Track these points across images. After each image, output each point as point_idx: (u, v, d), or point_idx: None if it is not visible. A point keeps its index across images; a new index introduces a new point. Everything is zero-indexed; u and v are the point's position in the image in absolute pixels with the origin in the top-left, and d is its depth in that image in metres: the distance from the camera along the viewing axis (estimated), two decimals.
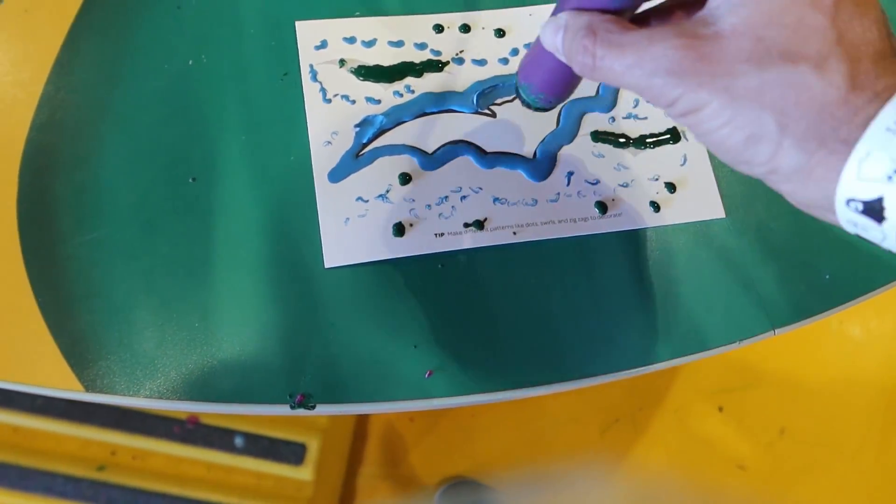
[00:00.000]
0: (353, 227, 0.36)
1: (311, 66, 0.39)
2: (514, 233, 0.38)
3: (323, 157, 0.37)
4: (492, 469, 0.98)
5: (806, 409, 1.05)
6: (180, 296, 0.35)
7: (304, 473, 0.74)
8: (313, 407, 0.34)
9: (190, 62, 0.38)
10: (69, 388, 0.33)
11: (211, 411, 0.35)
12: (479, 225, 0.37)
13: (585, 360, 0.36)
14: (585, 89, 0.41)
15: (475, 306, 0.36)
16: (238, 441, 0.74)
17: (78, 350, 0.34)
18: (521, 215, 0.38)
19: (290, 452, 0.75)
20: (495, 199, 0.38)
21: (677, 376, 1.05)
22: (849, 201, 0.20)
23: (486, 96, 0.40)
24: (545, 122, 0.40)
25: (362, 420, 0.97)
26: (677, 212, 0.39)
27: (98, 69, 0.38)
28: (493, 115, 0.39)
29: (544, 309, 0.37)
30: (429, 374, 0.35)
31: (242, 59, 0.39)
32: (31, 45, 0.38)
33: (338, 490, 0.92)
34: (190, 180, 0.37)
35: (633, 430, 1.02)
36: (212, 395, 0.34)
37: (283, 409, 0.34)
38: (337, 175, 0.37)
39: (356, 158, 0.38)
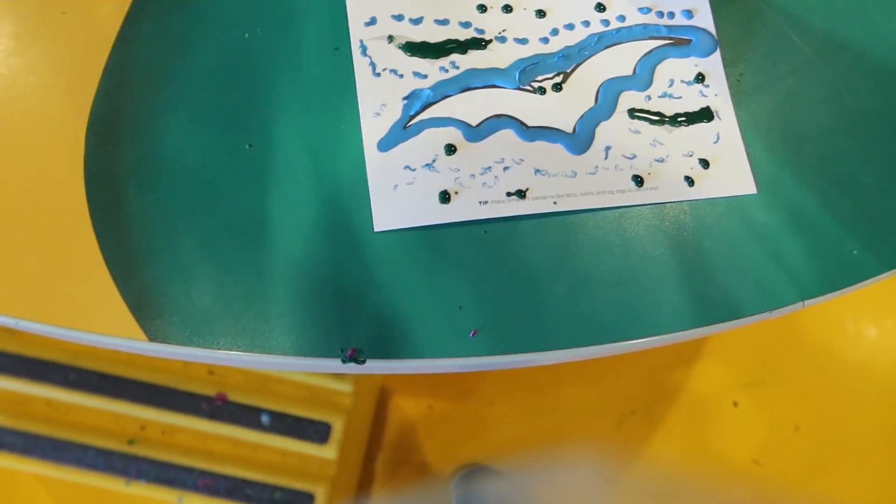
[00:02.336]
0: (401, 193, 0.38)
1: (361, 41, 0.41)
2: (555, 202, 0.39)
3: (372, 128, 0.39)
4: (507, 458, 1.00)
5: (821, 408, 1.06)
6: (238, 254, 0.37)
7: (328, 452, 0.76)
8: (363, 362, 0.36)
9: (246, 35, 0.40)
10: (133, 337, 0.35)
11: (264, 365, 0.37)
12: (521, 194, 0.39)
13: (622, 326, 0.38)
14: (621, 69, 0.42)
15: (517, 271, 0.38)
16: (264, 419, 0.76)
17: (142, 302, 0.36)
18: (561, 186, 0.39)
19: (315, 431, 0.76)
20: (536, 171, 0.40)
21: (694, 371, 1.06)
22: None
23: (527, 73, 0.41)
24: (584, 100, 0.41)
25: (381, 406, 0.99)
26: (710, 187, 0.41)
27: (160, 40, 0.40)
28: (535, 91, 0.41)
29: (582, 276, 0.38)
30: (473, 334, 0.37)
31: (295, 33, 0.41)
32: (96, 16, 0.40)
33: (357, 473, 0.94)
34: (247, 146, 0.38)
35: (649, 422, 1.04)
36: (266, 347, 0.36)
37: (335, 364, 0.36)
38: (386, 145, 0.39)
39: (404, 129, 0.39)
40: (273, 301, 0.36)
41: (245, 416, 0.76)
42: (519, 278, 0.38)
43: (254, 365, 0.37)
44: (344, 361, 0.36)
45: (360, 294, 0.37)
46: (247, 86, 0.39)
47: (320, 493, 0.74)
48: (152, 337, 0.35)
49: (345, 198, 0.38)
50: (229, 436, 0.75)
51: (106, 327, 0.35)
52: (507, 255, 0.38)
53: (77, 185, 0.37)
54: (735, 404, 1.05)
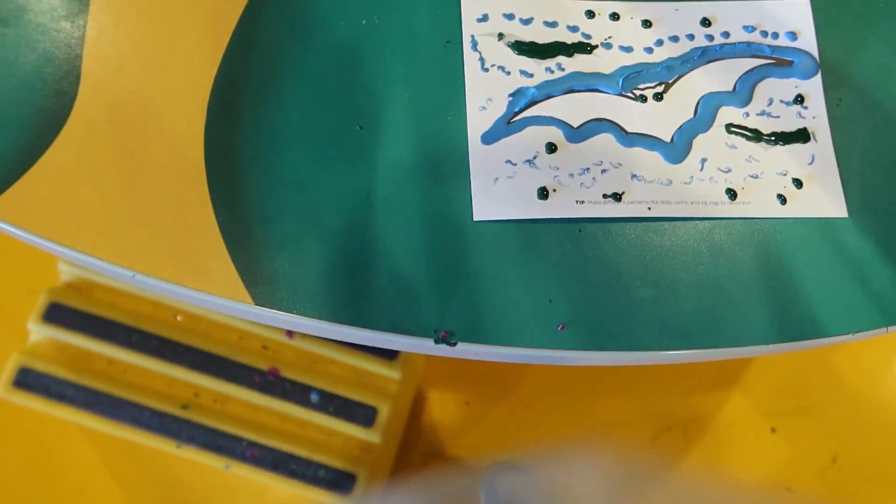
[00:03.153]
0: (502, 186, 0.39)
1: (473, 36, 0.42)
2: (649, 208, 0.40)
3: (477, 121, 0.41)
4: (542, 460, 1.01)
5: (860, 441, 1.05)
6: (343, 230, 0.38)
7: (373, 436, 0.77)
8: (454, 344, 0.37)
9: (363, 21, 0.42)
10: (240, 299, 0.37)
11: (359, 338, 0.38)
12: (617, 197, 0.40)
13: (705, 334, 0.39)
14: (722, 84, 0.43)
15: (608, 271, 0.39)
16: (314, 397, 0.78)
17: (250, 268, 0.37)
18: (656, 192, 0.40)
19: (362, 414, 0.78)
20: (633, 176, 0.41)
21: (733, 392, 1.06)
22: None
23: (630, 80, 0.42)
24: (683, 111, 0.42)
25: (419, 399, 1.00)
26: (802, 206, 0.41)
27: (282, 19, 0.42)
28: (636, 98, 0.42)
29: (670, 281, 0.39)
30: (561, 328, 0.38)
31: (410, 23, 0.42)
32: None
33: (392, 460, 0.96)
34: (358, 128, 0.40)
35: (684, 440, 1.04)
36: (363, 321, 0.37)
37: (427, 344, 0.37)
38: (489, 138, 0.40)
39: (508, 125, 0.41)
40: (373, 277, 0.38)
41: (295, 392, 0.78)
42: (609, 278, 0.39)
43: (350, 338, 0.38)
44: (436, 342, 0.37)
45: (455, 279, 0.38)
46: (361, 70, 0.41)
47: (362, 474, 0.76)
48: (258, 301, 0.37)
49: (447, 185, 0.40)
50: (279, 410, 0.77)
51: (216, 288, 0.37)
52: (599, 254, 0.39)
53: (197, 151, 0.39)
54: (773, 430, 1.04)
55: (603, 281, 0.39)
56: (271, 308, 0.37)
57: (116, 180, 0.38)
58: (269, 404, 0.77)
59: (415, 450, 1.00)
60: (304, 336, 0.78)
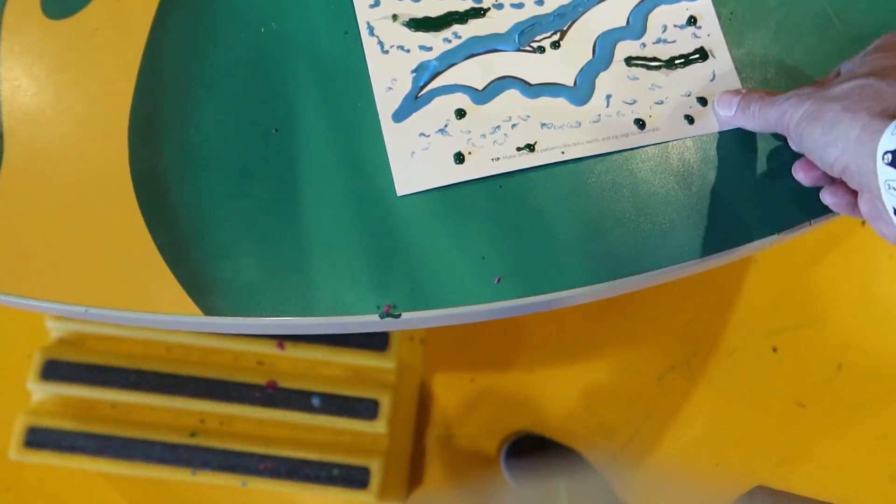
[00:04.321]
0: (419, 159, 0.41)
1: (368, 22, 0.44)
2: (563, 152, 0.42)
3: (386, 101, 0.42)
4: (555, 422, 1.02)
5: (860, 345, 1.06)
6: (275, 229, 0.40)
7: (378, 427, 0.79)
8: (399, 315, 0.39)
9: (262, 30, 0.44)
10: (190, 313, 0.39)
11: (308, 328, 0.40)
12: (531, 148, 0.42)
13: (636, 260, 0.40)
14: (615, 21, 0.44)
15: (533, 219, 0.41)
16: (315, 401, 0.79)
17: (194, 281, 0.39)
18: (567, 136, 0.42)
19: (364, 408, 0.80)
20: (543, 125, 0.42)
21: (729, 320, 1.07)
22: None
23: (526, 35, 0.44)
24: (582, 54, 0.44)
25: (426, 384, 1.02)
26: (710, 122, 0.43)
27: (184, 43, 0.43)
28: (534, 50, 0.44)
29: (595, 217, 0.41)
30: (498, 281, 0.40)
31: (307, 22, 0.44)
32: (125, 29, 0.44)
33: (409, 449, 0.98)
34: (273, 131, 0.42)
35: (689, 375, 1.05)
36: (310, 310, 0.39)
37: (373, 320, 0.39)
38: (400, 115, 0.42)
39: (416, 100, 0.42)
40: (311, 268, 0.39)
41: (297, 400, 0.80)
42: (535, 226, 0.41)
43: (301, 329, 0.40)
44: (381, 317, 0.39)
45: (390, 255, 0.40)
46: (268, 76, 0.43)
47: (374, 465, 0.78)
48: (207, 311, 0.39)
49: (367, 168, 0.41)
50: (284, 420, 0.79)
51: (165, 306, 0.39)
52: (523, 205, 0.41)
53: (125, 182, 0.41)
54: (774, 349, 1.06)
55: (531, 229, 0.41)
56: (221, 316, 0.39)
57: (55, 225, 0.40)
58: (274, 416, 0.79)
59: (429, 436, 1.01)
60: (296, 344, 0.79)
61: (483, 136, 0.42)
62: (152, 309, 0.39)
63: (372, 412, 0.80)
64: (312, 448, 0.79)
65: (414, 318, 0.39)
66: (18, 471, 0.98)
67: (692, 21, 0.44)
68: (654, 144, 0.42)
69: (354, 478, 0.78)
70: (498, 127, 0.42)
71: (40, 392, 0.79)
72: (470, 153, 0.41)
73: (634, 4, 0.45)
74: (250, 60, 0.43)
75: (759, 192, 0.42)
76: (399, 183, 0.41)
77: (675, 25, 0.45)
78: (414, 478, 1.01)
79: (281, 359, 0.80)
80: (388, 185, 0.41)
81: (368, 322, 0.39)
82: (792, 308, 1.07)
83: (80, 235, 0.40)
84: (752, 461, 1.02)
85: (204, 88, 0.42)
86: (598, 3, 0.45)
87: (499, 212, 0.41)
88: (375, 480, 0.77)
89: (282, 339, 0.79)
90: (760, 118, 0.39)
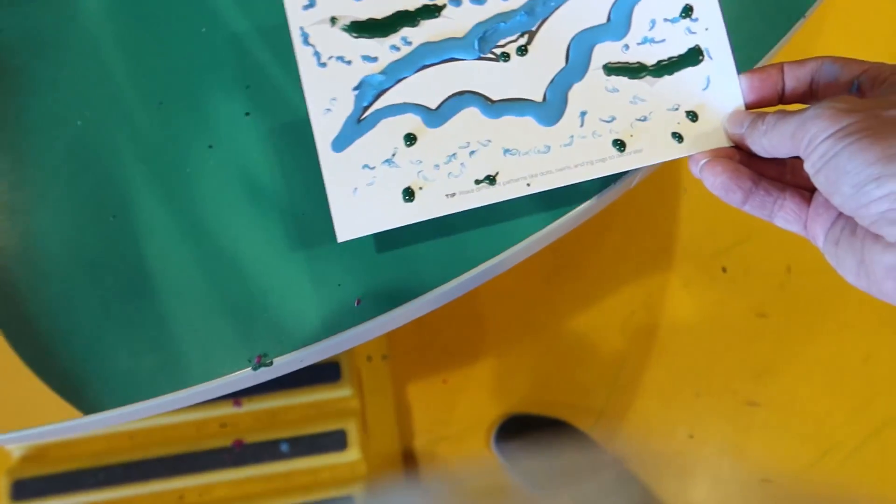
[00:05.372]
0: (362, 196, 0.36)
1: (302, 28, 0.37)
2: (528, 184, 0.36)
3: (324, 126, 0.36)
4: (534, 398, 1.01)
5: (804, 243, 1.02)
6: (135, 312, 0.39)
7: (351, 455, 0.79)
8: (271, 363, 0.38)
9: (79, 122, 0.41)
10: (71, 417, 0.37)
11: (185, 400, 0.38)
12: (491, 180, 0.36)
13: (485, 249, 0.39)
14: (594, 17, 0.38)
15: (379, 237, 0.39)
16: (284, 448, 0.79)
17: (66, 385, 0.38)
18: (534, 164, 0.36)
19: (333, 441, 0.79)
20: (506, 151, 0.36)
21: (674, 253, 1.05)
22: None
23: (487, 39, 0.37)
24: (553, 61, 0.37)
25: (401, 396, 1.00)
26: (703, 139, 0.37)
27: (4, 154, 0.40)
28: (498, 58, 0.37)
29: (445, 218, 0.37)
30: (357, 303, 0.38)
31: (119, 104, 0.41)
32: None
33: (398, 463, 0.96)
34: (111, 218, 0.40)
35: (650, 316, 1.03)
36: (184, 382, 0.38)
37: (247, 374, 0.38)
38: (340, 143, 0.36)
39: (358, 123, 0.37)
40: (178, 341, 0.38)
41: (265, 452, 0.79)
42: (383, 243, 0.39)
43: (181, 403, 0.38)
44: (254, 368, 0.37)
45: (248, 306, 0.39)
46: (94, 166, 0.41)
47: (357, 491, 0.77)
48: (87, 411, 0.37)
49: (211, 228, 0.40)
50: (259, 474, 0.78)
51: (45, 418, 0.37)
52: None
53: None
54: (724, 270, 1.05)
55: (378, 247, 0.39)
56: (102, 411, 0.37)
57: None
58: (248, 473, 0.78)
59: (417, 445, 1.00)
60: (251, 397, 0.79)
61: (436, 166, 0.36)
62: (33, 423, 0.37)
63: (341, 443, 0.78)
64: (294, 492, 0.78)
65: (287, 361, 0.38)
66: None
67: (687, 11, 0.38)
68: (637, 169, 0.37)
69: None
70: (454, 155, 0.36)
71: None
72: (421, 188, 0.36)
73: None
74: (73, 155, 0.40)
75: None
76: (340, 226, 0.36)
77: (665, 19, 0.38)
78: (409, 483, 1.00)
79: (241, 416, 0.80)
80: (233, 244, 0.39)
81: (244, 377, 0.38)
82: (731, 226, 1.05)
83: None
84: (730, 382, 1.02)
85: (35, 196, 0.40)
86: None
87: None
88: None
89: (236, 397, 0.78)
90: (774, 132, 0.32)
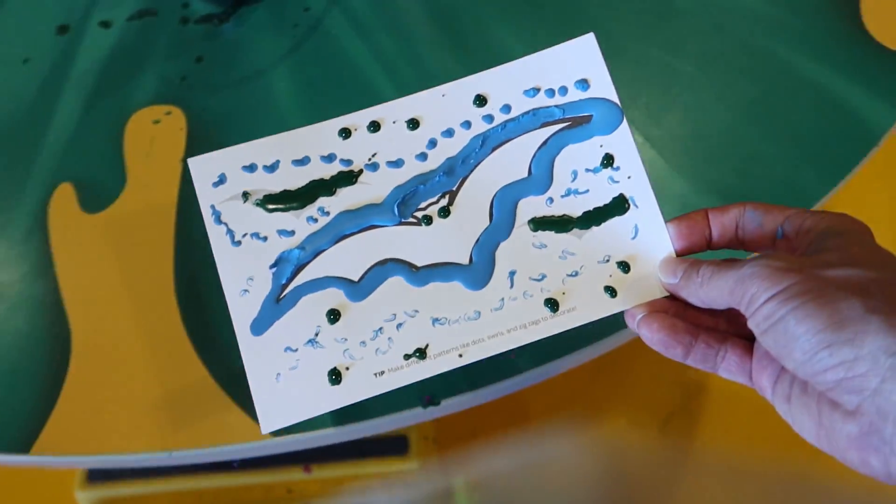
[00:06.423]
0: (286, 382, 0.34)
1: (213, 206, 0.36)
2: (461, 355, 0.34)
3: (242, 309, 0.35)
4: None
5: None
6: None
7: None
8: (438, 403, 0.43)
9: None
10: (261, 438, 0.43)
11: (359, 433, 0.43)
12: (421, 354, 0.34)
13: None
14: (515, 172, 0.37)
15: None
16: None
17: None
18: (464, 333, 0.35)
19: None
20: (434, 321, 0.35)
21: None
22: None
23: (407, 203, 0.36)
24: (477, 220, 0.36)
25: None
26: (637, 292, 0.35)
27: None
28: (419, 222, 0.36)
29: None
30: (513, 356, 0.43)
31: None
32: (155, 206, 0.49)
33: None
34: None
35: (689, 418, 1.00)
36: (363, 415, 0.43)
37: (416, 412, 0.43)
38: (260, 327, 0.34)
39: (278, 303, 0.35)
40: None
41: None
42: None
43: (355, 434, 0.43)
44: (424, 406, 0.43)
45: None
46: None
47: None
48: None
49: None
50: None
51: (235, 436, 0.42)
52: None
53: (182, 338, 0.45)
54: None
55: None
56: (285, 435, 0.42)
57: (125, 388, 0.44)
58: None
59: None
60: (321, 465, 0.78)
61: (363, 343, 0.34)
62: (226, 440, 0.42)
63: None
64: None
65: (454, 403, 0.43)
66: None
67: (608, 161, 0.37)
68: (573, 328, 0.35)
69: None
70: (380, 329, 0.35)
71: None
72: (348, 368, 0.34)
73: (537, 148, 0.37)
74: None
75: None
76: (264, 417, 0.33)
77: (587, 169, 0.37)
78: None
79: (309, 483, 0.79)
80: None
81: (415, 415, 0.43)
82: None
83: (149, 391, 0.44)
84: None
85: None
86: (493, 150, 0.37)
87: None
88: None
89: (307, 463, 0.78)
90: (710, 286, 0.31)
